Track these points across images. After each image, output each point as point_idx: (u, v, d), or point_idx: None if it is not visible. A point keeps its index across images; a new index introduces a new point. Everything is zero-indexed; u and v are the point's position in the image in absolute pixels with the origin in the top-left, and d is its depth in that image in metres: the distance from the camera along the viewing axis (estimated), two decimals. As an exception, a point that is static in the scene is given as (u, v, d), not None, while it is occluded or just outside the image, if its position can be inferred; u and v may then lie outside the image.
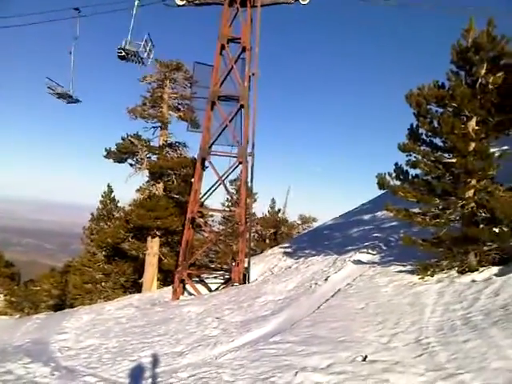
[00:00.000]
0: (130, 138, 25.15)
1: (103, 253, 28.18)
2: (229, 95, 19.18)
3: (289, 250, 21.11)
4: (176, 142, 26.87)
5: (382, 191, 12.37)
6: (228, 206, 31.82)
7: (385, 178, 11.05)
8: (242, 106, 18.69)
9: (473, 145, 9.83)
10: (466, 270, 9.96)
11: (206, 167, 19.72)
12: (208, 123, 18.97)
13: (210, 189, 19.88)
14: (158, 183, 26.15)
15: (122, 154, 25.39)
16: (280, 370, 6.50)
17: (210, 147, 19.21)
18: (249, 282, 17.87)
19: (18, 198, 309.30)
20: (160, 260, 25.94)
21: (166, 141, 26.34)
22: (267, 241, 36.12)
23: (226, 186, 20.26)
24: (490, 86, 9.82)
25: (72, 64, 19.00)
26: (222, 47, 18.83)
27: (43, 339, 13.03)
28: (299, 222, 39.15)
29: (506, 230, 9.27)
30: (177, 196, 27.00)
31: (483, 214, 10.00)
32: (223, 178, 19.42)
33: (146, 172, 25.85)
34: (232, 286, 17.74)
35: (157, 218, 24.31)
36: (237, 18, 18.92)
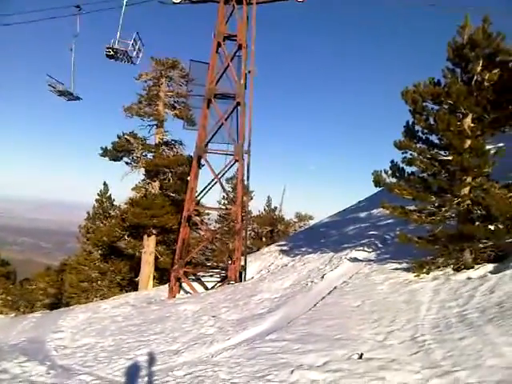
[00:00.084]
0: (125, 136, 25.06)
1: (99, 251, 28.16)
2: (225, 93, 19.15)
3: (285, 247, 21.11)
4: (172, 140, 26.83)
5: (378, 189, 12.38)
6: (224, 204, 31.78)
7: (381, 176, 11.06)
8: (238, 104, 18.68)
9: (468, 142, 9.83)
10: (462, 267, 9.98)
11: (202, 165, 19.67)
12: (204, 121, 18.94)
13: (206, 187, 19.89)
14: (154, 181, 26.10)
15: (117, 152, 25.31)
16: (276, 367, 6.49)
17: (206, 145, 19.19)
18: (245, 280, 17.86)
19: (14, 197, 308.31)
20: (156, 258, 25.91)
21: (162, 139, 26.26)
22: (263, 239, 36.10)
23: (222, 184, 20.26)
24: (486, 83, 9.81)
25: (72, 61, 18.91)
26: (218, 45, 18.80)
27: (39, 338, 12.98)
28: (295, 220, 39.14)
29: (501, 227, 9.29)
30: (173, 194, 26.96)
31: (479, 212, 10.03)
32: (219, 176, 19.41)
33: (142, 170, 25.82)
34: (228, 284, 17.74)
35: (153, 217, 24.27)
36: (233, 15, 18.90)
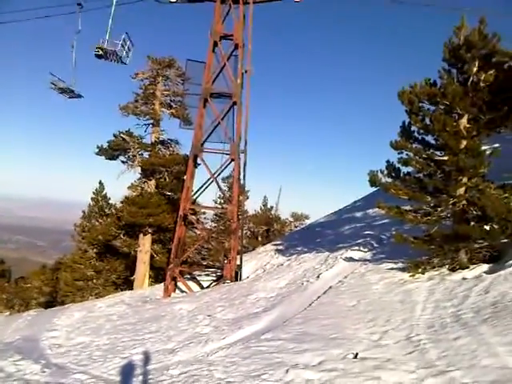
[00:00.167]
0: (121, 134, 25.02)
1: (94, 250, 28.07)
2: (221, 92, 19.12)
3: (281, 247, 21.11)
4: (168, 139, 26.81)
5: (374, 189, 12.40)
6: (220, 204, 31.76)
7: (377, 176, 11.07)
8: (234, 104, 18.65)
9: (464, 142, 9.86)
10: (457, 267, 10.01)
11: (199, 164, 19.65)
12: (200, 120, 18.92)
13: (202, 186, 19.86)
14: (150, 180, 26.06)
15: (113, 151, 25.26)
16: (271, 367, 6.50)
17: (203, 144, 19.16)
18: (241, 280, 17.87)
19: (10, 195, 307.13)
20: (152, 257, 25.89)
21: (158, 138, 26.24)
22: (259, 238, 36.12)
23: (218, 184, 20.22)
24: (482, 84, 9.85)
25: (74, 59, 18.85)
26: (215, 44, 18.76)
27: (34, 336, 12.94)
28: (291, 220, 39.18)
29: (496, 227, 9.32)
30: (169, 193, 26.94)
31: (474, 212, 10.06)
32: (215, 176, 19.38)
33: (138, 169, 25.76)
34: (224, 283, 17.72)
35: (149, 215, 24.23)
36: (229, 14, 18.86)
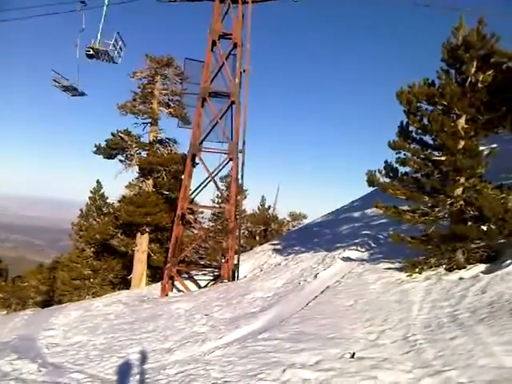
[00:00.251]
0: (119, 133, 24.98)
1: (92, 249, 28.07)
2: (220, 92, 19.10)
3: (278, 246, 21.10)
4: (166, 138, 26.77)
5: (372, 188, 12.40)
6: (218, 203, 31.76)
7: (374, 176, 11.07)
8: (232, 103, 18.64)
9: (462, 143, 9.87)
10: (454, 267, 10.02)
11: (197, 164, 19.64)
12: (198, 119, 18.90)
13: (200, 185, 19.84)
14: (148, 179, 26.04)
15: (111, 149, 25.22)
16: (268, 366, 6.49)
17: (201, 144, 19.13)
18: (238, 279, 17.85)
19: (7, 194, 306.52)
20: (149, 256, 25.87)
21: (156, 137, 26.22)
22: (257, 238, 36.14)
23: (216, 183, 20.20)
24: (480, 85, 9.85)
25: (77, 57, 18.80)
26: (213, 43, 18.74)
27: (31, 336, 12.93)
28: (289, 219, 39.21)
29: (493, 227, 9.32)
30: (167, 192, 26.90)
31: (471, 212, 10.06)
32: (213, 175, 19.35)
33: (136, 168, 25.74)
34: (221, 282, 17.71)
35: (146, 215, 24.21)
36: (228, 13, 18.85)
